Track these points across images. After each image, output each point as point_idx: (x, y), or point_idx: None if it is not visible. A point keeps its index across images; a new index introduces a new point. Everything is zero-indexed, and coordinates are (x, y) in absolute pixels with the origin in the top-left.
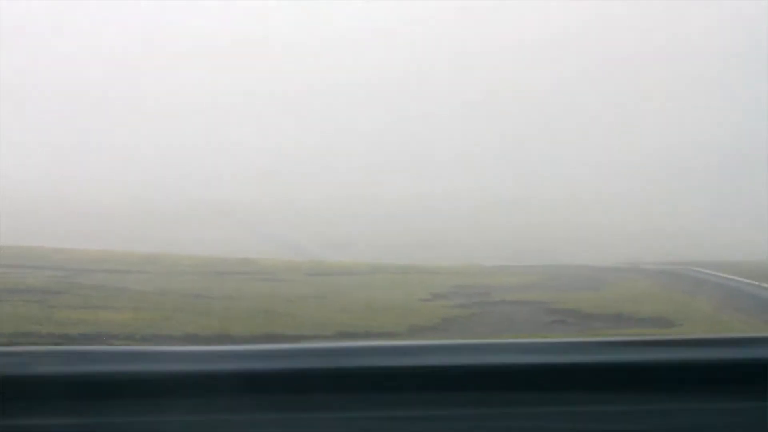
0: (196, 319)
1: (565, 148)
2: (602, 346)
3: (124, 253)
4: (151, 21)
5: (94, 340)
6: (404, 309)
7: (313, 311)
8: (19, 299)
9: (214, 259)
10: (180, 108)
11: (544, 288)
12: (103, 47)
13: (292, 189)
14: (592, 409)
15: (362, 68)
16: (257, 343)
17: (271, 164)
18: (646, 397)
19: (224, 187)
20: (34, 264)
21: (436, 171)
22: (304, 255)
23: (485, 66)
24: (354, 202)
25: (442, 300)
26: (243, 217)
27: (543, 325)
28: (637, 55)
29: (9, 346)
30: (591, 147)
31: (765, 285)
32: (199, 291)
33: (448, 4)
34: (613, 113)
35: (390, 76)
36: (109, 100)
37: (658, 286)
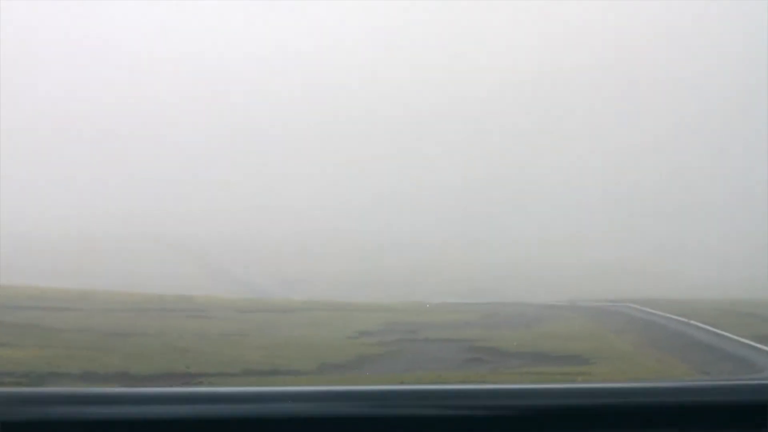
0: (100, 357)
1: (530, 188)
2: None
3: (60, 290)
4: (107, 51)
5: None
6: (322, 347)
7: (227, 349)
8: None
9: (151, 296)
10: (134, 141)
11: (477, 325)
12: (52, 76)
13: (248, 226)
14: None
15: (319, 104)
16: (155, 381)
17: (226, 201)
18: None
19: (180, 223)
20: None
21: (398, 210)
22: (257, 292)
23: (453, 116)
24: (313, 239)
25: (368, 337)
26: (199, 254)
27: (459, 362)
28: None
29: None
30: (555, 186)
31: (693, 322)
32: (121, 329)
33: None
34: (574, 152)
35: (348, 114)
36: (59, 131)
37: (589, 324)
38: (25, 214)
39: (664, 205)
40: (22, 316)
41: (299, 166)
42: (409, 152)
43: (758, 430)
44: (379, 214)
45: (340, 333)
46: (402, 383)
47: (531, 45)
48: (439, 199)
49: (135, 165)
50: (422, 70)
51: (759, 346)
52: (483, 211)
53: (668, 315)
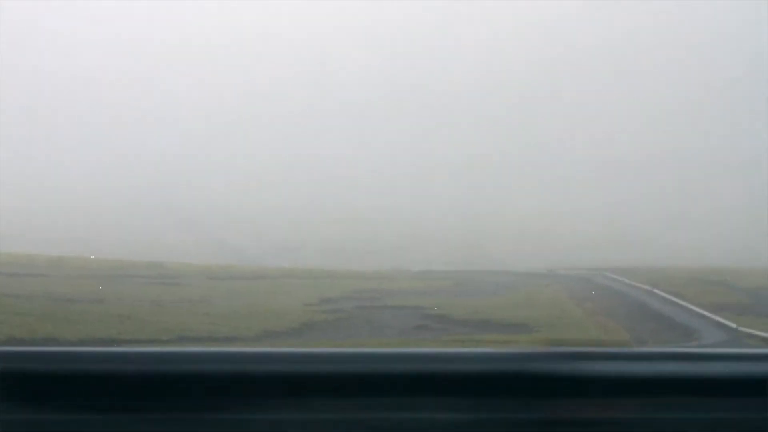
0: (31, 323)
1: (528, 161)
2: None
3: (30, 256)
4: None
5: None
6: (271, 314)
7: (171, 316)
8: None
9: (123, 263)
10: (136, 115)
11: (442, 293)
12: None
13: (244, 195)
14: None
15: (314, 83)
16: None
17: (225, 172)
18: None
19: (180, 194)
20: None
21: (393, 181)
22: (245, 259)
23: (446, 92)
24: (307, 208)
25: (327, 304)
26: (196, 222)
27: (407, 329)
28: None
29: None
30: (548, 155)
31: (656, 291)
32: (73, 295)
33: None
34: (571, 126)
35: (346, 94)
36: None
37: (553, 292)
38: (24, 185)
39: (661, 179)
40: None
41: (295, 141)
42: (403, 126)
43: (760, 399)
44: (373, 185)
45: (300, 300)
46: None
47: (536, 25)
48: (436, 171)
49: (136, 136)
50: (417, 51)
51: (708, 314)
52: (479, 183)
53: (637, 284)
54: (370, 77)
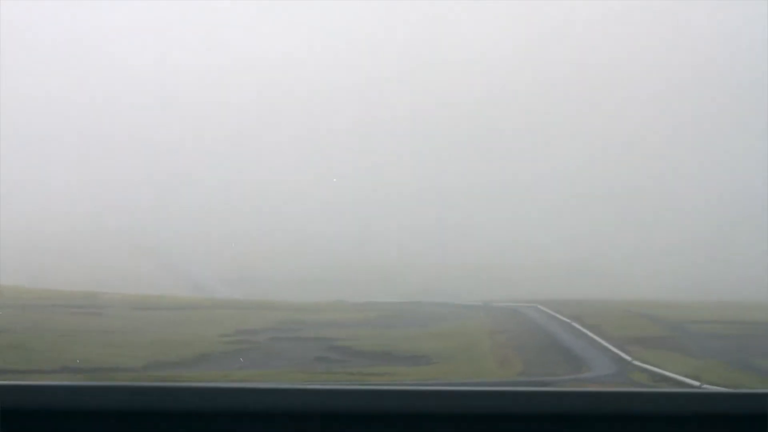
0: None
1: (504, 191)
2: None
3: None
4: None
5: None
6: (174, 344)
7: (73, 345)
8: None
9: (56, 293)
10: (102, 142)
11: (367, 325)
12: None
13: (199, 223)
14: None
15: (284, 107)
16: None
17: (191, 200)
18: None
19: (143, 221)
20: None
21: (360, 211)
22: (202, 290)
23: (424, 122)
24: (266, 238)
25: (243, 335)
26: (158, 251)
27: (306, 361)
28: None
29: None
30: (510, 187)
31: (575, 324)
32: None
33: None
34: (550, 155)
35: (298, 125)
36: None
37: (475, 324)
38: None
39: (639, 210)
40: None
41: (267, 168)
42: (375, 155)
43: None
44: (330, 215)
45: (217, 331)
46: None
47: (512, 51)
48: (405, 202)
49: (101, 164)
50: (393, 74)
51: (611, 347)
52: (449, 214)
53: (561, 317)
54: (325, 108)
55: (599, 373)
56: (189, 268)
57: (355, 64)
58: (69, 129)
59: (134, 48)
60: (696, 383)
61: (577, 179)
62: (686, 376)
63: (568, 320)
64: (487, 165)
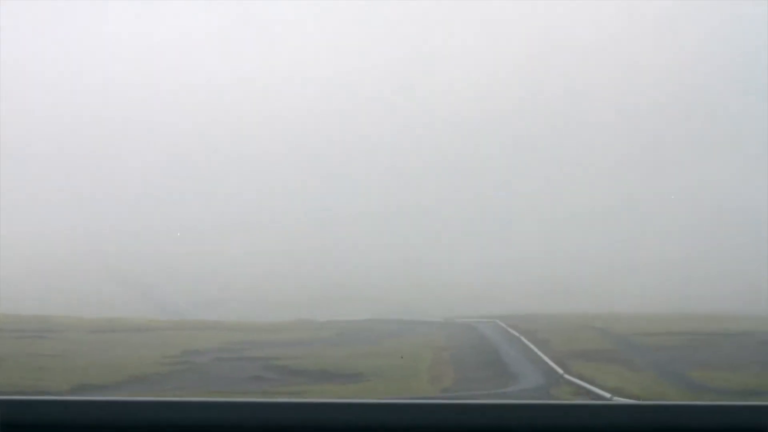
0: None
1: (480, 208)
2: None
3: None
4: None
5: None
6: (111, 366)
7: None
8: None
9: (8, 317)
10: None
11: (317, 343)
12: None
13: (169, 245)
14: None
15: (253, 129)
16: None
17: (160, 221)
18: None
19: (110, 244)
20: None
21: (327, 230)
22: (170, 313)
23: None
24: (234, 260)
25: (187, 356)
26: (127, 274)
27: (240, 380)
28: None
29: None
30: (488, 207)
31: (522, 338)
32: None
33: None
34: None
35: (268, 145)
36: None
37: (426, 341)
38: None
39: (615, 228)
40: None
41: (238, 190)
42: (342, 176)
43: None
44: (310, 237)
45: (163, 352)
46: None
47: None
48: (375, 219)
49: (68, 186)
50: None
51: (548, 361)
52: (421, 233)
53: (514, 332)
54: (290, 131)
55: (524, 386)
56: (158, 291)
57: (310, 87)
58: (31, 150)
59: (108, 72)
60: (607, 395)
61: (552, 198)
62: (614, 388)
63: (519, 335)
64: (460, 185)
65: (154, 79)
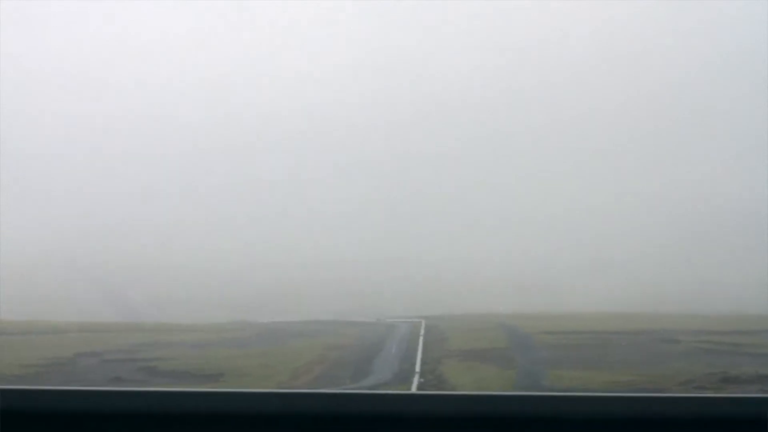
0: None
1: (458, 204)
2: None
3: None
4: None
5: None
6: None
7: None
8: None
9: None
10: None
11: (226, 343)
12: None
13: (134, 247)
14: None
15: (233, 126)
16: None
17: (104, 219)
18: None
19: (84, 245)
20: None
21: (277, 229)
22: (128, 314)
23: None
24: (193, 258)
25: (80, 358)
26: (98, 276)
27: (102, 382)
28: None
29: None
30: (453, 205)
31: (422, 338)
32: None
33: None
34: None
35: (227, 141)
36: None
37: (326, 340)
38: None
39: (592, 225)
40: None
41: (212, 186)
42: (314, 172)
43: None
44: (265, 237)
45: (37, 354)
46: None
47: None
48: (350, 216)
49: (40, 187)
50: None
51: (417, 361)
52: (399, 229)
53: (421, 330)
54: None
55: (366, 383)
56: (118, 291)
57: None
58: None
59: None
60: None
61: (526, 195)
62: (456, 386)
63: (422, 334)
64: (432, 181)
65: (137, 77)
